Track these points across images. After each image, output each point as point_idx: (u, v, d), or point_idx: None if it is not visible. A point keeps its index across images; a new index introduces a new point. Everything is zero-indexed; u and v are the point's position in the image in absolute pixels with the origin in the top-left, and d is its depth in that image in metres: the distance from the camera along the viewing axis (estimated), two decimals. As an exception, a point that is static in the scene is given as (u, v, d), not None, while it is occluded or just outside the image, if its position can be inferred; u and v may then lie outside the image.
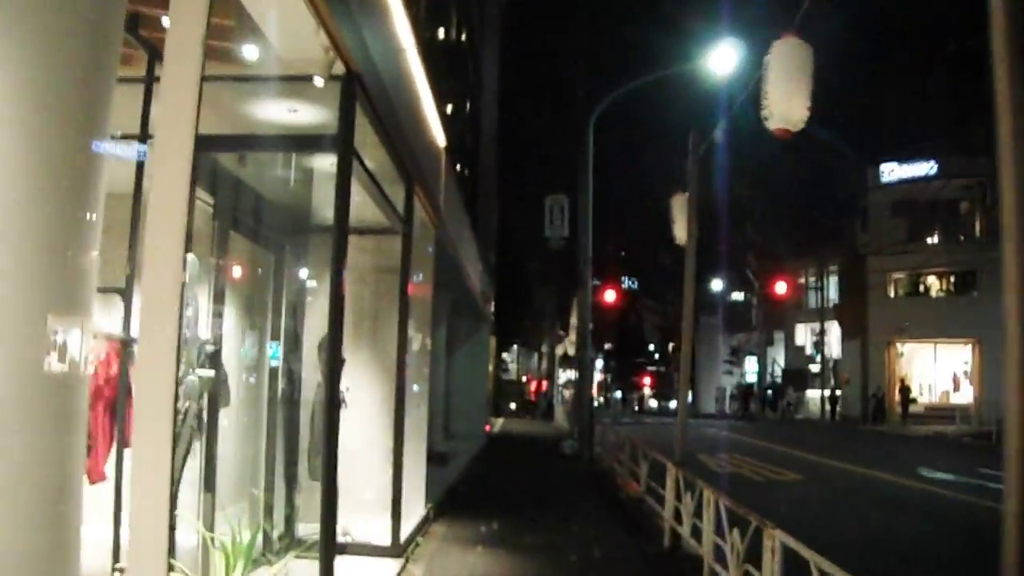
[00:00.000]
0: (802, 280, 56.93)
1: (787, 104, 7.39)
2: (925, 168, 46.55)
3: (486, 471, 20.42)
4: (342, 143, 6.71)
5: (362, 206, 9.55)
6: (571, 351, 46.95)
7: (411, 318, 10.97)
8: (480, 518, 13.00)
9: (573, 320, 32.34)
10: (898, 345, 47.53)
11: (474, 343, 29.00)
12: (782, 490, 17.92)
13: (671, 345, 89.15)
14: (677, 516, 10.79)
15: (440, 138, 12.69)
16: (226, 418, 8.27)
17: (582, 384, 23.34)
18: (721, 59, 18.61)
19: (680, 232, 12.83)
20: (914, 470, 21.50)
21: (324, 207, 9.89)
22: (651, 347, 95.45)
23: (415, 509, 11.65)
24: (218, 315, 7.63)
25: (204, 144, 3.95)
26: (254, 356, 9.30)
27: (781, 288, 49.40)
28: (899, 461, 23.67)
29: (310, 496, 9.72)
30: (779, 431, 38.46)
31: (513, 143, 40.70)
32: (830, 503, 16.77)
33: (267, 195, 8.78)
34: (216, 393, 8.06)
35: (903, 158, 47.23)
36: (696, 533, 9.69)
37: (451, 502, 14.52)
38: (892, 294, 48.50)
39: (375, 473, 10.21)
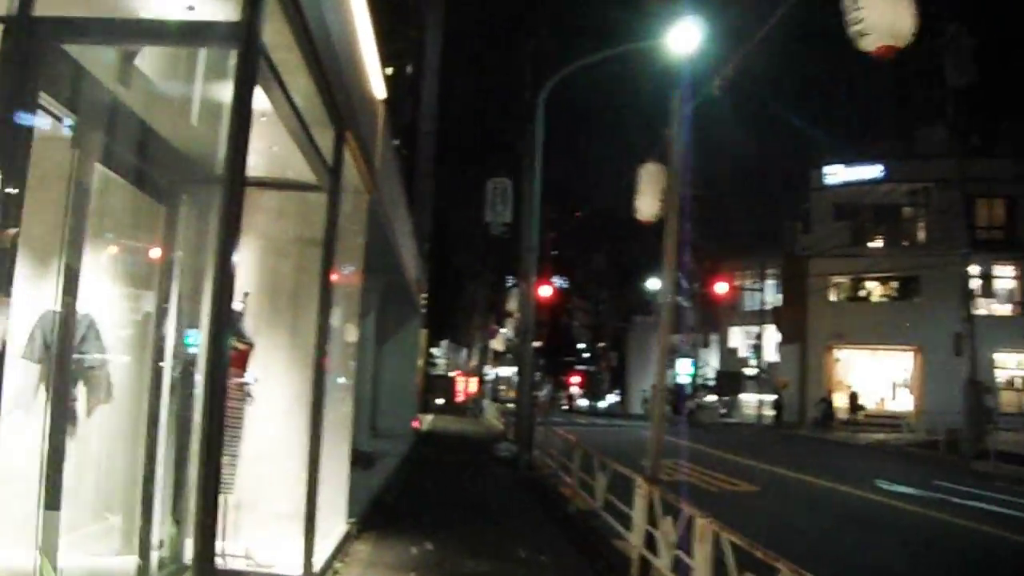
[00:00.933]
0: (738, 282, 55.65)
1: (892, 12, 6.10)
2: (871, 171, 45.50)
3: (417, 476, 18.38)
4: (246, 33, 4.74)
5: (280, 154, 7.64)
6: (499, 347, 45.04)
7: (336, 300, 9.07)
8: (412, 535, 11.02)
9: (513, 310, 30.35)
10: (835, 351, 46.45)
11: (405, 334, 27.02)
12: (740, 504, 16.32)
13: (600, 344, 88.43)
14: (649, 543, 8.96)
15: (379, 87, 10.77)
16: (99, 415, 6.40)
17: (522, 381, 21.44)
18: (683, 37, 16.79)
19: (645, 206, 11.08)
20: (871, 482, 20.20)
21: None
22: (581, 346, 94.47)
23: (335, 525, 9.72)
24: (72, 279, 5.69)
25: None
26: (141, 336, 7.36)
27: (721, 288, 48.22)
28: (852, 472, 22.39)
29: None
30: (722, 437, 37.00)
31: (453, 125, 38.69)
32: (796, 521, 15.11)
33: (159, 127, 6.73)
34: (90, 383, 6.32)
35: (849, 161, 46.19)
36: (680, 568, 7.87)
37: (378, 515, 12.43)
38: (833, 298, 47.28)
39: (289, 481, 8.26)
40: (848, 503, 17.36)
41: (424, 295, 31.40)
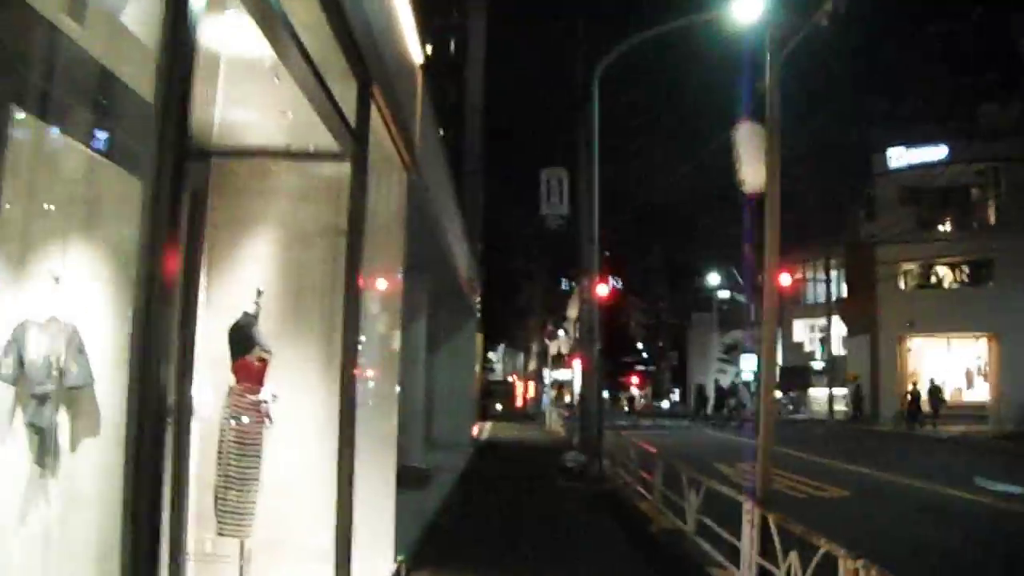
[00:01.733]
0: (799, 274, 53.31)
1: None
2: (935, 153, 43.24)
3: (478, 494, 16.63)
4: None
5: (291, 117, 6.09)
6: (564, 349, 43.13)
7: (372, 298, 7.48)
8: (474, 572, 9.35)
9: (572, 313, 28.69)
10: (907, 340, 44.16)
11: (459, 339, 25.48)
12: (836, 512, 14.45)
13: (659, 344, 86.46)
14: (761, 577, 7.21)
15: (415, 48, 9.14)
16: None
17: (587, 383, 19.72)
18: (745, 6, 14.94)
19: (751, 175, 9.32)
20: (970, 481, 18.19)
21: (242, 117, 6.47)
22: (639, 346, 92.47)
23: (378, 564, 8.08)
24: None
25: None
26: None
27: (785, 280, 45.99)
28: (945, 470, 20.44)
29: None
30: (794, 434, 34.97)
31: (500, 116, 37.00)
32: (900, 529, 13.20)
33: (130, 79, 5.13)
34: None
35: (911, 142, 43.95)
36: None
37: (433, 546, 10.65)
38: (903, 286, 44.95)
39: (319, 515, 6.67)
40: (956, 508, 15.44)
41: (478, 298, 29.92)
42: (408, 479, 10.81)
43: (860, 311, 46.43)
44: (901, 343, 44.01)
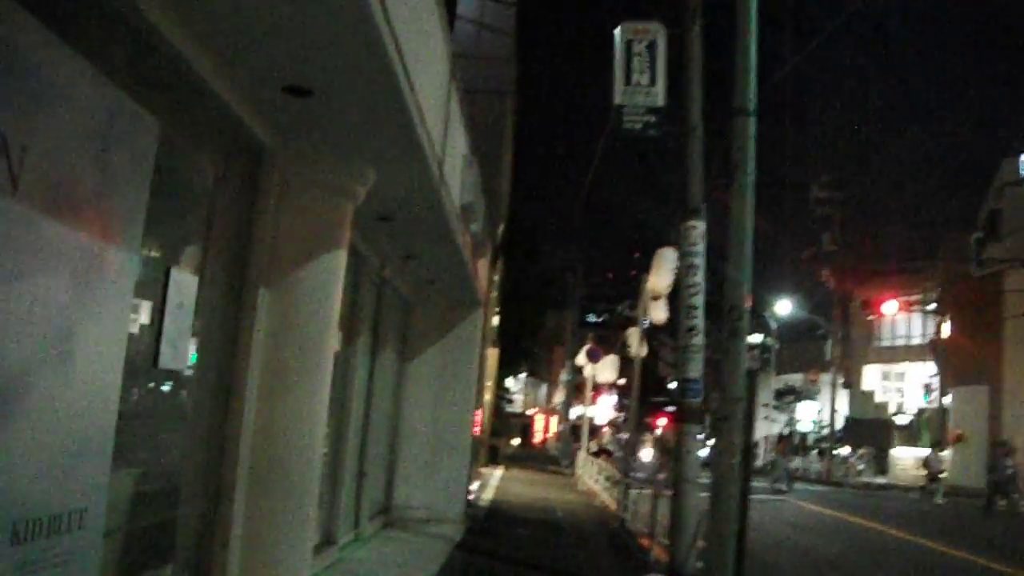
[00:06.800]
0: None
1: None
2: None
3: None
4: None
5: None
6: (609, 375, 31.39)
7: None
8: None
9: (657, 315, 17.15)
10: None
11: (452, 344, 14.62)
12: None
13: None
14: None
15: None
16: None
17: (744, 423, 8.03)
18: None
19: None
20: None
21: None
22: (670, 385, 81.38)
23: None
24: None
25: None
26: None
27: (891, 308, 34.96)
28: None
29: None
30: (900, 512, 23.86)
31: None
32: None
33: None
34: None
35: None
36: None
37: None
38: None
39: None
40: None
41: (493, 277, 19.21)
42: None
43: (966, 355, 35.39)
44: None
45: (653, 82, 10.94)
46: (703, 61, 10.57)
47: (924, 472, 30.31)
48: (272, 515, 6.26)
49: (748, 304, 8.23)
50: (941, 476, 29.61)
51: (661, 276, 15.68)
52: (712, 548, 7.55)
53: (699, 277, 9.98)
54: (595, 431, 41.39)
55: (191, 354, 5.56)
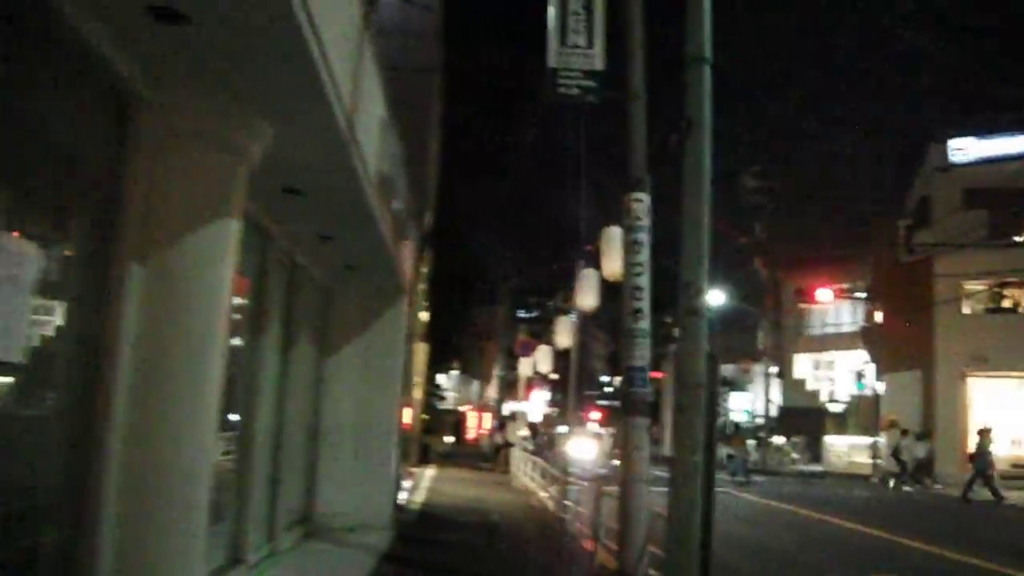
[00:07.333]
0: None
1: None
2: (1013, 145, 32.33)
3: None
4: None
5: None
6: (543, 367, 30.18)
7: None
8: None
9: (585, 300, 16.22)
10: (969, 379, 32.62)
11: (377, 334, 13.54)
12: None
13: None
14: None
15: None
16: None
17: (706, 413, 7.10)
18: None
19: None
20: None
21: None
22: (604, 379, 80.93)
23: None
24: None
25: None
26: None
27: (825, 296, 34.58)
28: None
29: None
30: (834, 497, 23.38)
31: None
32: None
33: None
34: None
35: (981, 132, 33.00)
36: None
37: None
38: (967, 311, 33.39)
39: None
40: None
41: (422, 266, 18.14)
42: None
43: (896, 342, 35.09)
44: (963, 382, 32.50)
45: (591, 44, 9.94)
46: (646, 19, 9.69)
47: (895, 460, 29.77)
48: (150, 537, 5.14)
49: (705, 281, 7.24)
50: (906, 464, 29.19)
51: (612, 259, 14.68)
52: (672, 558, 6.55)
53: (644, 255, 9.06)
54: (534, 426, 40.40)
55: (26, 341, 4.38)
